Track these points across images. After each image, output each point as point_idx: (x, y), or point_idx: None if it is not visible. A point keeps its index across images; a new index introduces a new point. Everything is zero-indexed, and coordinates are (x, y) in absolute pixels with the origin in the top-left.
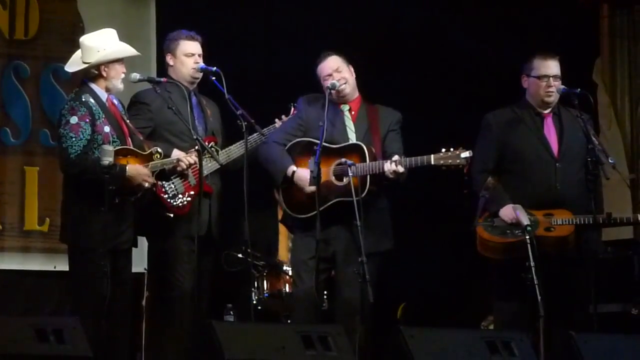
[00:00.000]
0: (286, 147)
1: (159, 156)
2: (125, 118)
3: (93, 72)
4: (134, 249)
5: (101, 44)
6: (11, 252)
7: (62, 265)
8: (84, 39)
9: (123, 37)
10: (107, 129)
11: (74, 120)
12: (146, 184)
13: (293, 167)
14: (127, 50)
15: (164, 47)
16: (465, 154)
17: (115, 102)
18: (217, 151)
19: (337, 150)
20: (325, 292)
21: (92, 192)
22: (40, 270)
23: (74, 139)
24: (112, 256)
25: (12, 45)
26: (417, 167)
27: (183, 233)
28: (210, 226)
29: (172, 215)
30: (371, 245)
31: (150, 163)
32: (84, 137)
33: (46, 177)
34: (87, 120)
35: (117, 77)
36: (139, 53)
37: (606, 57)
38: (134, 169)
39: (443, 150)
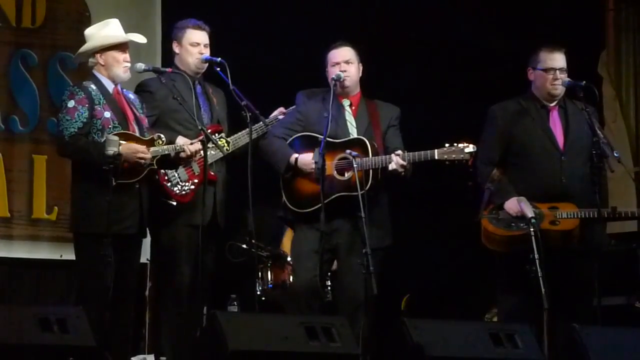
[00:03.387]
0: (287, 142)
1: (160, 142)
2: (135, 108)
3: (93, 62)
4: None
5: (95, 33)
6: (19, 240)
7: (69, 254)
8: (86, 30)
9: (129, 27)
10: (107, 114)
11: (71, 104)
12: (142, 162)
13: (295, 155)
14: (115, 37)
15: (172, 35)
16: (469, 149)
17: (132, 96)
18: (227, 142)
19: (339, 144)
20: (329, 284)
21: (94, 178)
22: (47, 259)
23: (69, 122)
24: (118, 244)
25: (19, 33)
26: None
27: (186, 222)
28: (215, 214)
29: (174, 202)
30: (372, 241)
31: (152, 148)
32: (79, 119)
33: (54, 166)
34: (85, 104)
35: (116, 66)
36: (128, 39)
37: (612, 50)
38: (127, 147)
39: (447, 145)
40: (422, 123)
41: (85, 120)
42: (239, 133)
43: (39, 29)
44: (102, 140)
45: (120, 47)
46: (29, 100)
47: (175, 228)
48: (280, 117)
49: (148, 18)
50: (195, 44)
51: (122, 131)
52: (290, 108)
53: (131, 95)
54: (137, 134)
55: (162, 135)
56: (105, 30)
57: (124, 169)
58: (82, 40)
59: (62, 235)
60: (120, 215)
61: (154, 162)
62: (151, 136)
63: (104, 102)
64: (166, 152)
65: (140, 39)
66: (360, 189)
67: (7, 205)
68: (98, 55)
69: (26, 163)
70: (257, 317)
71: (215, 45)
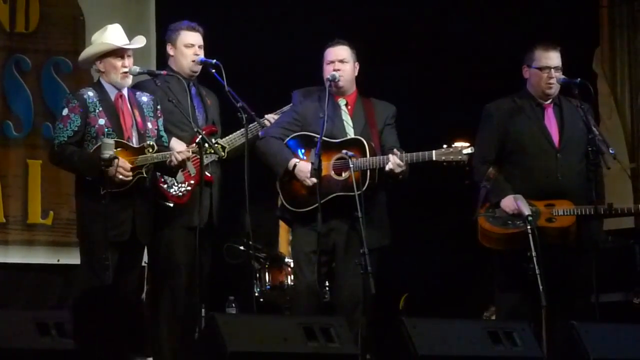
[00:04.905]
0: (284, 142)
1: (151, 150)
2: (143, 113)
3: (96, 69)
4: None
5: (96, 39)
6: (15, 246)
7: (66, 259)
8: (92, 36)
9: (123, 30)
10: (101, 121)
11: (65, 112)
12: (121, 177)
13: (295, 160)
14: (108, 44)
15: (165, 37)
16: (467, 150)
17: (145, 98)
18: (223, 148)
19: (337, 144)
20: (327, 284)
21: (91, 186)
22: (44, 264)
23: (61, 130)
24: (117, 249)
25: (13, 38)
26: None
27: (183, 224)
28: (211, 215)
29: (171, 204)
30: (369, 242)
31: (139, 157)
32: (70, 128)
33: (49, 171)
34: (78, 112)
35: (114, 72)
36: (121, 45)
37: (606, 46)
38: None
39: (444, 146)
40: (418, 122)
41: (76, 128)
42: (233, 134)
43: (32, 34)
44: (93, 149)
45: (118, 53)
46: (23, 106)
47: (172, 230)
48: (271, 116)
49: (142, 21)
50: (189, 45)
51: (114, 139)
52: (280, 110)
53: (144, 98)
54: (134, 141)
55: (153, 144)
56: (102, 37)
57: (113, 177)
58: (77, 44)
59: (58, 240)
60: (114, 222)
61: (144, 171)
62: (141, 144)
63: (100, 109)
64: (154, 161)
65: (139, 42)
66: (357, 189)
67: (2, 211)
68: (98, 62)
69: (21, 168)
70: (255, 319)
71: (209, 46)
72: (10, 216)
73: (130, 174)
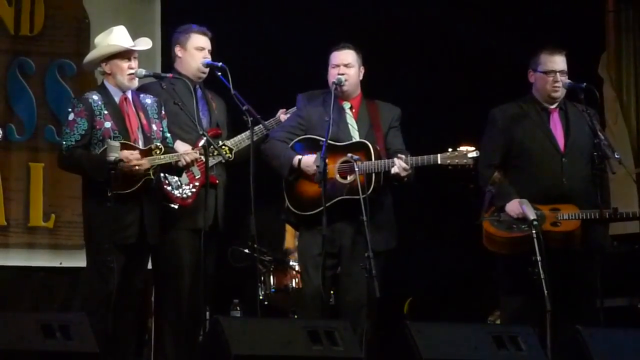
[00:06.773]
0: (289, 145)
1: (158, 151)
2: (147, 115)
3: (101, 71)
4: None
5: (101, 41)
6: (16, 249)
7: (68, 262)
8: (95, 38)
9: (128, 32)
10: (108, 124)
11: (71, 116)
12: (136, 169)
13: (298, 156)
14: (115, 46)
15: (173, 39)
16: (473, 154)
17: (149, 100)
18: (230, 150)
19: (342, 147)
20: (332, 288)
21: (97, 189)
22: (46, 267)
23: (68, 134)
24: (123, 252)
25: (17, 41)
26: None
27: (188, 226)
28: (216, 217)
29: (176, 206)
30: (377, 244)
31: (148, 158)
32: (77, 132)
33: (51, 174)
34: (84, 116)
35: (120, 74)
36: (128, 47)
37: (612, 51)
38: (122, 155)
39: (450, 149)
40: (423, 125)
41: (83, 132)
42: (239, 136)
43: (37, 37)
44: (101, 150)
45: (124, 55)
46: (26, 109)
47: (176, 232)
48: (283, 116)
49: (147, 24)
50: (200, 48)
51: (121, 141)
52: (292, 109)
53: (148, 100)
54: (140, 143)
55: (160, 145)
56: (108, 39)
57: (119, 179)
58: (82, 47)
59: (60, 243)
60: (120, 225)
61: (151, 172)
62: (149, 146)
63: (105, 112)
64: (162, 162)
65: (144, 44)
66: (362, 193)
67: (3, 214)
68: (104, 64)
69: (23, 171)
70: (260, 322)
71: (214, 49)
72: (11, 219)
73: (143, 162)
